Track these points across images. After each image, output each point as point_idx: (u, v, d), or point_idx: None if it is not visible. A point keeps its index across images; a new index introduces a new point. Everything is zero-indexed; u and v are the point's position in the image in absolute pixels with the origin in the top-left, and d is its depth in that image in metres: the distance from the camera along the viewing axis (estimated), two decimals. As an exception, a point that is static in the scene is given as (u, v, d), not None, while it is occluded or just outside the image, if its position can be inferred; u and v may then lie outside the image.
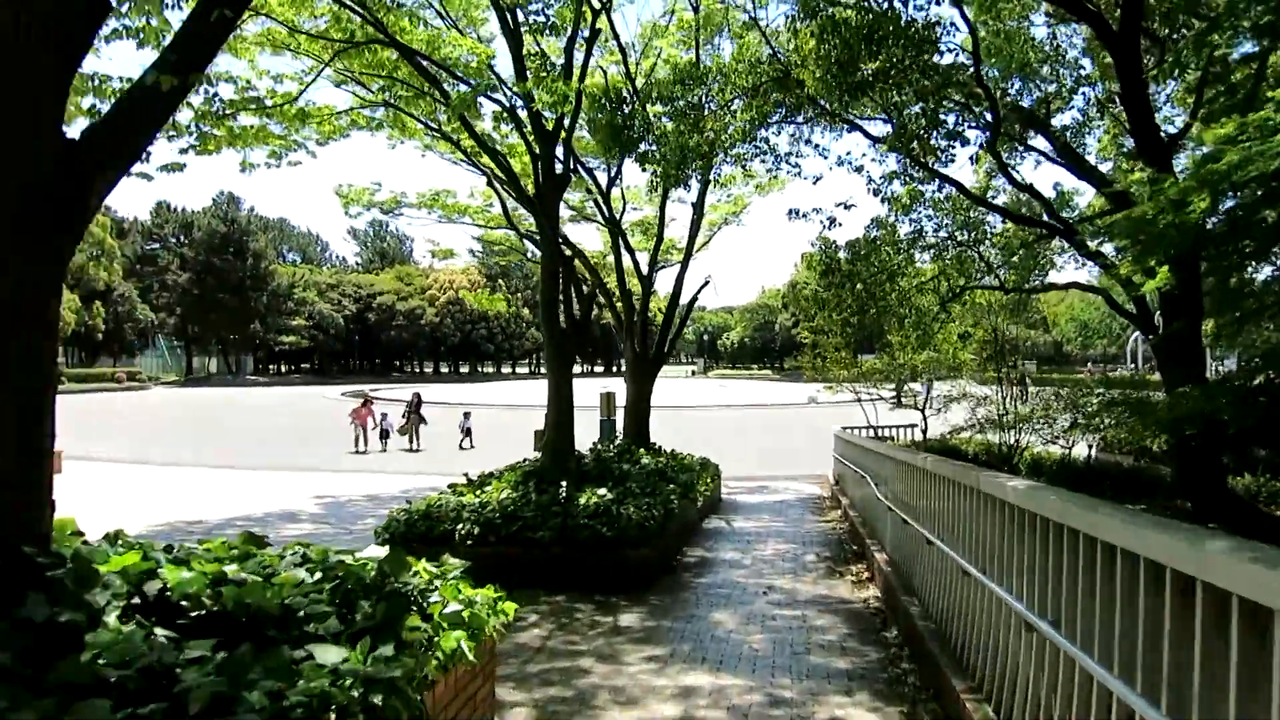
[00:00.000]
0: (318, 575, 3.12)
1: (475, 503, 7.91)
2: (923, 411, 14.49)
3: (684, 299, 14.78)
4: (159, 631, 2.40)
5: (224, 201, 77.40)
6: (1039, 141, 12.81)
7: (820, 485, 15.89)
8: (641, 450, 11.49)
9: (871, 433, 15.02)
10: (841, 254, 13.03)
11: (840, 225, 11.80)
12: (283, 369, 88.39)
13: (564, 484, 8.18)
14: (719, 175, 12.84)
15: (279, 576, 3.00)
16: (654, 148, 10.49)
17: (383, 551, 3.38)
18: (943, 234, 13.60)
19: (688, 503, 9.94)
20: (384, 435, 22.50)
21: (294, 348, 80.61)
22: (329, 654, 2.47)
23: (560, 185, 9.21)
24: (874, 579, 7.54)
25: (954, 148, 10.07)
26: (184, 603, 2.67)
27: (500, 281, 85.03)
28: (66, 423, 4.31)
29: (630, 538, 7.24)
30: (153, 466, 17.98)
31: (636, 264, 14.03)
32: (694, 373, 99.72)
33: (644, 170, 10.64)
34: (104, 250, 62.84)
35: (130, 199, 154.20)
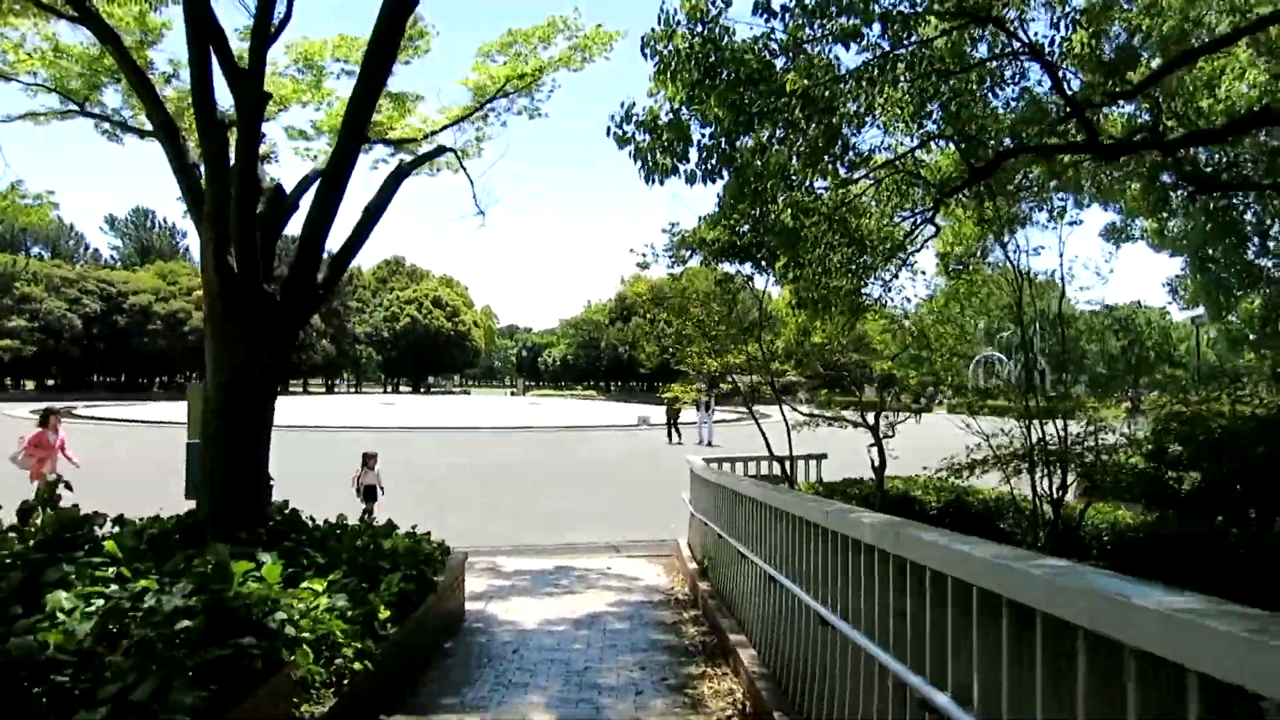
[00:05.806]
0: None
1: None
2: (875, 432, 7.34)
3: (370, 183, 6.75)
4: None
5: (-87, 164, 60.02)
6: None
7: (667, 568, 8.34)
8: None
9: (773, 469, 7.68)
10: (748, 42, 5.63)
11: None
12: (8, 382, 69.96)
13: None
14: None
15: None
16: None
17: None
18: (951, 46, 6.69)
19: None
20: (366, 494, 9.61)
21: (16, 356, 63.40)
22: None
23: None
24: None
25: None
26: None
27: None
28: None
29: None
30: None
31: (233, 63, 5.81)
32: (512, 393, 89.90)
33: None
34: None
35: None
